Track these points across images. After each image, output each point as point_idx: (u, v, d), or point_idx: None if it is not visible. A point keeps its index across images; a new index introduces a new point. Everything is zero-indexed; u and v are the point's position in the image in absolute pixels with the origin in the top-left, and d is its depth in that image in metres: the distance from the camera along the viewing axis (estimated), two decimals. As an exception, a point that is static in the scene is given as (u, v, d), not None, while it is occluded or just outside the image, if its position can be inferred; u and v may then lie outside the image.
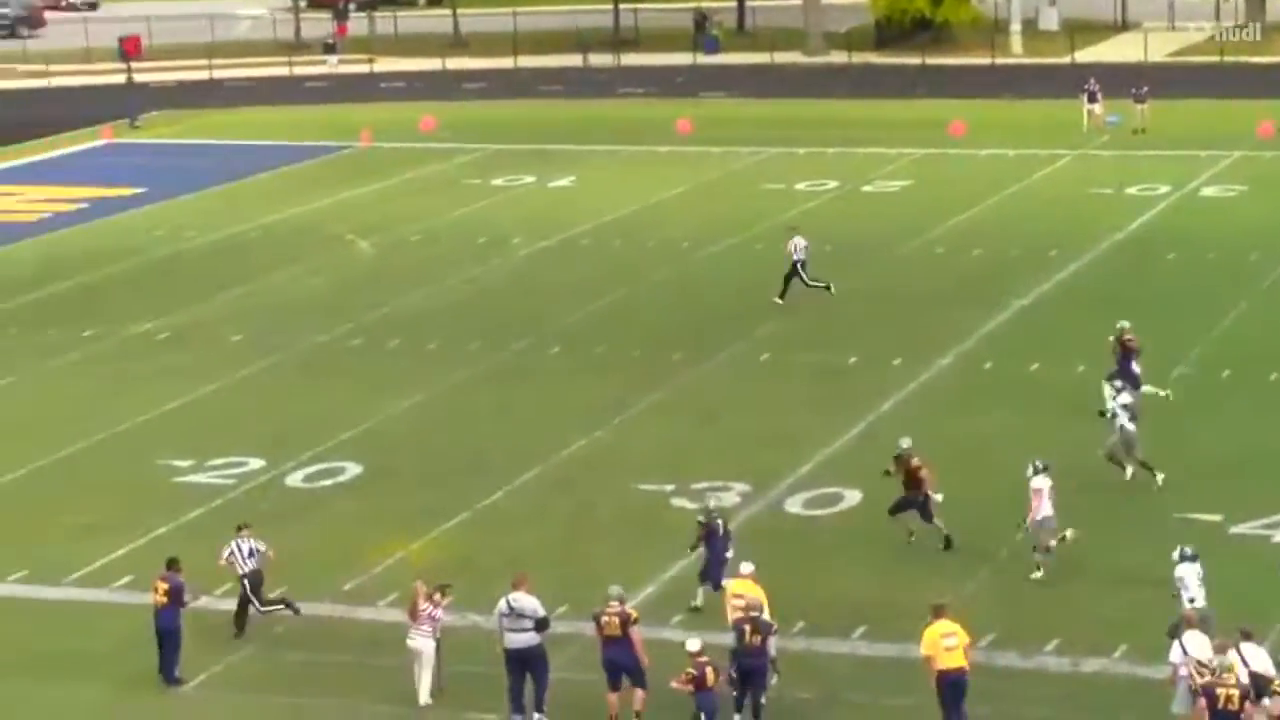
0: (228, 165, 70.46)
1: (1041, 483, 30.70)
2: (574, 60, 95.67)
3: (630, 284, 50.41)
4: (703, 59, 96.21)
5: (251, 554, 29.90)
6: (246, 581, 29.87)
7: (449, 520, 34.17)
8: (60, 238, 59.79)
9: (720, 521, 30.07)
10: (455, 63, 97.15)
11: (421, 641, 27.52)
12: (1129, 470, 34.28)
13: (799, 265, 47.45)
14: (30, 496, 36.55)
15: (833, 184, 63.14)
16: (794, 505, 34.36)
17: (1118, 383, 36.19)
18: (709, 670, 25.57)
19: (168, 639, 28.45)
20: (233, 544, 30.00)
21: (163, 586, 28.49)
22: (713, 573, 29.71)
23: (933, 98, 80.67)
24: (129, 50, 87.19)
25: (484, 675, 27.69)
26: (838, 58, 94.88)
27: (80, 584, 32.28)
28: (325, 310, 49.06)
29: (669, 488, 34.74)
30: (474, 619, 29.84)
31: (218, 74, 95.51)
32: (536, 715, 26.81)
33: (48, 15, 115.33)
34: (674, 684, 25.81)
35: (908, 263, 52.24)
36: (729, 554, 29.75)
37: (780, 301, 47.32)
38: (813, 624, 29.38)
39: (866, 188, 62.85)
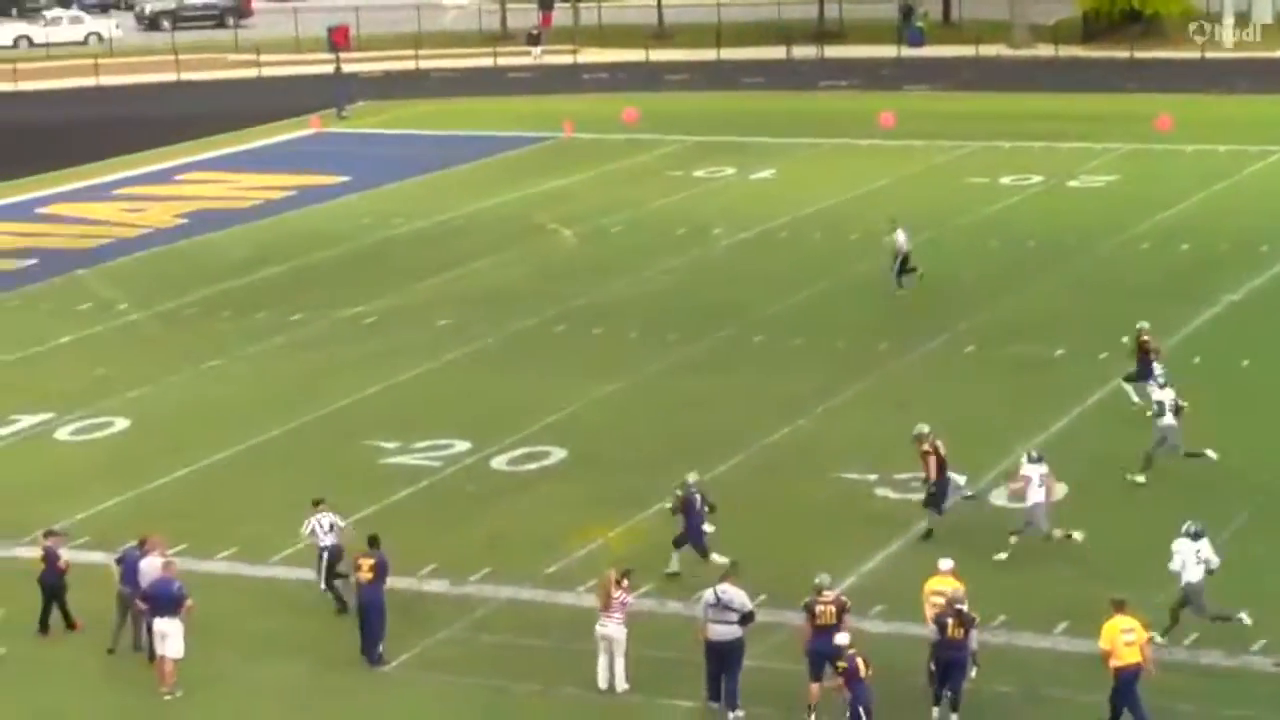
0: (433, 155, 71.14)
1: (1031, 471, 31.16)
2: (777, 52, 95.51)
3: (831, 276, 50.29)
4: (907, 52, 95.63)
5: (331, 528, 30.56)
6: (326, 554, 30.44)
7: (650, 507, 34.29)
8: (270, 224, 60.74)
9: (698, 495, 30.98)
10: (658, 54, 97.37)
11: (614, 629, 27.68)
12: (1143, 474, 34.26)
13: (903, 257, 47.95)
14: (239, 476, 37.20)
15: (1037, 179, 62.55)
16: (997, 499, 34.13)
17: (1159, 379, 35.53)
18: (859, 661, 25.48)
19: (373, 616, 28.83)
20: (313, 519, 30.65)
21: (367, 563, 28.88)
22: (696, 542, 30.84)
23: (1140, 92, 79.62)
24: (338, 41, 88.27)
25: (681, 662, 27.82)
26: (1044, 51, 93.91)
27: (287, 563, 32.77)
28: (529, 297, 49.45)
29: (872, 478, 34.66)
30: (674, 606, 30.01)
31: (424, 64, 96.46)
32: (731, 715, 26.87)
33: (256, 5, 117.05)
34: (826, 684, 25.70)
35: (1113, 258, 51.67)
36: (708, 527, 31.00)
37: (901, 291, 47.86)
38: (1013, 618, 29.21)
39: (1072, 183, 62.19)
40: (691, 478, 31.68)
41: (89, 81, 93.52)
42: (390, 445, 37.89)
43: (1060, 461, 33.57)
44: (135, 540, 30.00)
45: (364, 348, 45.57)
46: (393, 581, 29.41)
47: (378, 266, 54.01)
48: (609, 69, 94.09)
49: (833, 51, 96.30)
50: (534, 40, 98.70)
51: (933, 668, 26.47)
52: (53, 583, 29.93)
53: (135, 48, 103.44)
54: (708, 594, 27.14)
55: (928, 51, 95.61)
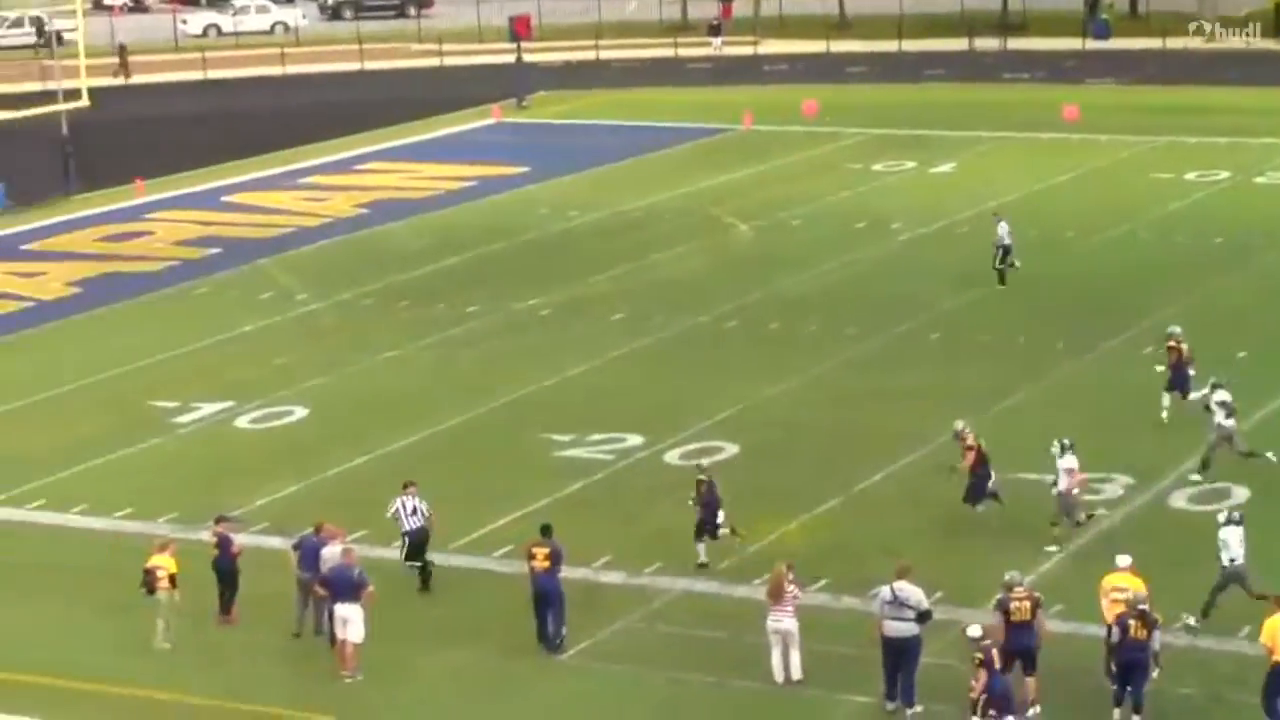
0: (612, 146, 71.33)
1: (1065, 463, 31.79)
2: (959, 44, 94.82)
3: (1009, 273, 49.75)
4: (1092, 44, 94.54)
5: (415, 511, 31.05)
6: (409, 538, 30.92)
7: (824, 503, 34.17)
8: (449, 214, 61.13)
9: (713, 482, 31.98)
10: (839, 45, 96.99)
11: (788, 622, 27.66)
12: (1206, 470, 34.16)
13: (1004, 250, 48.22)
14: (415, 466, 37.29)
15: (1224, 174, 61.59)
16: (1178, 500, 33.63)
17: (1215, 382, 35.11)
18: (994, 653, 25.27)
19: (551, 603, 28.97)
20: (398, 501, 31.14)
21: (542, 552, 29.04)
22: (709, 530, 31.69)
23: (1333, 86, 78.23)
24: (519, 31, 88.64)
25: (857, 658, 27.73)
26: (1233, 43, 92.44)
27: (462, 552, 33.01)
28: (705, 291, 49.40)
29: (1050, 478, 34.23)
30: (849, 602, 29.89)
31: (604, 55, 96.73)
32: (909, 711, 26.72)
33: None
34: (974, 682, 25.23)
35: (1301, 256, 50.87)
36: (721, 515, 31.79)
37: (1002, 286, 47.85)
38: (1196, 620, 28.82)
39: (1259, 179, 61.16)
40: (706, 462, 33.18)
41: (275, 70, 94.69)
42: (564, 438, 38.00)
43: (1240, 464, 33.03)
44: (311, 527, 30.42)
45: (539, 340, 45.76)
46: (568, 572, 29.55)
47: (554, 258, 54.21)
48: (789, 60, 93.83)
49: (1016, 43, 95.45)
50: (714, 31, 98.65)
51: (1113, 668, 26.16)
52: (227, 568, 30.33)
53: (320, 37, 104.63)
54: (884, 591, 27.05)
55: (1113, 44, 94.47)
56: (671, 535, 33.04)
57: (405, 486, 31.53)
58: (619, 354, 44.28)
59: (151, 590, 29.54)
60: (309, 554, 29.76)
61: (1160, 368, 38.39)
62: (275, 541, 32.11)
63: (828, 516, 33.82)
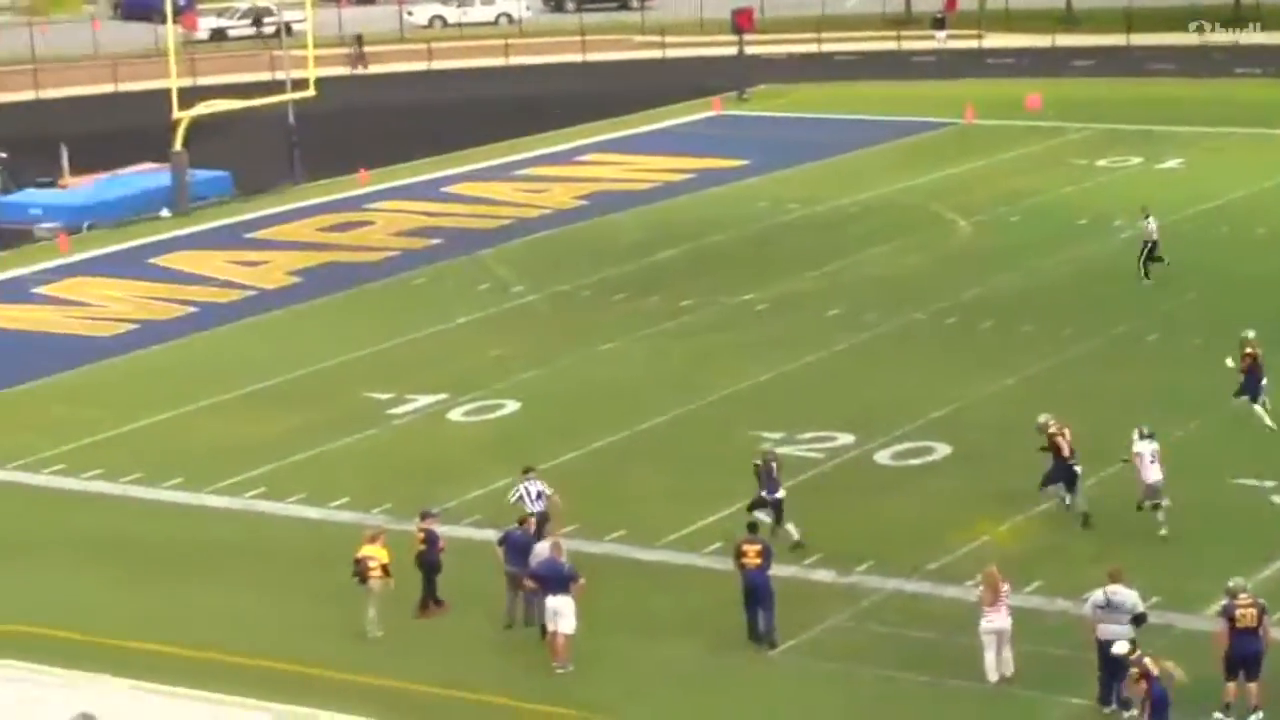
0: (832, 139, 71.00)
1: (1144, 448, 32.21)
2: (1189, 38, 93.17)
3: (1232, 274, 48.92)
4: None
5: (539, 496, 31.55)
6: (535, 519, 31.10)
7: (1037, 505, 33.80)
8: (668, 207, 61.22)
9: (775, 464, 32.82)
10: (1065, 39, 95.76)
11: (1002, 621, 27.56)
12: None
13: (1151, 245, 48.28)
14: (627, 460, 37.65)
15: None
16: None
17: None
18: (1146, 661, 25.15)
19: (763, 599, 28.99)
20: (521, 486, 31.68)
21: (753, 549, 29.11)
22: (775, 510, 32.57)
23: None
24: (742, 23, 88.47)
25: (1071, 660, 27.52)
26: None
27: (674, 547, 33.13)
28: (921, 288, 49.07)
29: (1269, 484, 33.65)
30: (1062, 604, 29.62)
31: (826, 47, 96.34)
32: (1126, 715, 26.36)
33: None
34: (1129, 690, 25.46)
35: None
36: (780, 494, 32.62)
37: (1148, 282, 47.71)
38: None
39: None
40: (766, 447, 33.56)
41: (498, 62, 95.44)
42: (775, 435, 37.93)
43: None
44: (516, 520, 30.67)
45: (754, 335, 45.71)
46: (779, 570, 29.62)
47: (771, 252, 54.13)
48: (1014, 54, 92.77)
49: (1248, 38, 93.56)
50: (939, 24, 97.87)
51: None
52: (432, 562, 30.63)
53: (543, 28, 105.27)
54: (1097, 595, 26.87)
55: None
56: (881, 534, 32.91)
57: (525, 472, 32.17)
58: (832, 351, 44.11)
59: (364, 580, 29.94)
60: (515, 548, 30.01)
61: (1229, 362, 38.04)
62: (487, 534, 32.36)
63: (1040, 519, 33.44)
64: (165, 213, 61.66)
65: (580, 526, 33.29)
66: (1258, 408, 37.25)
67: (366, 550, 30.07)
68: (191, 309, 50.28)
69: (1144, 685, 24.96)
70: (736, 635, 29.24)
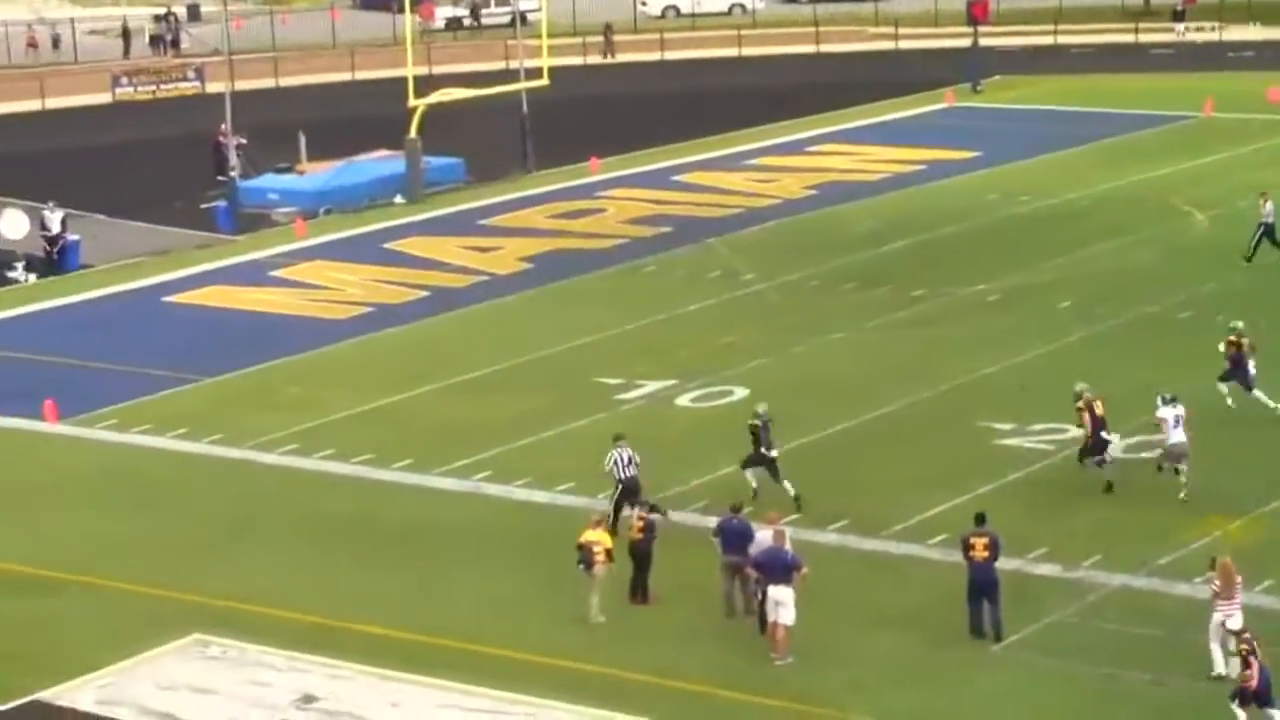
0: (1066, 132, 70.20)
1: (1166, 413, 33.64)
2: None
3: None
4: None
5: (630, 462, 32.88)
6: (622, 486, 32.74)
7: (1269, 503, 33.22)
8: (898, 198, 60.93)
9: (767, 423, 34.21)
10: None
11: (1239, 618, 27.10)
12: None
13: (1267, 228, 48.90)
14: (854, 449, 37.52)
15: None
16: None
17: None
18: (1255, 644, 25.17)
19: (989, 592, 28.77)
20: (614, 453, 33.00)
21: (981, 542, 28.87)
22: (771, 468, 34.08)
23: None
24: (977, 14, 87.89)
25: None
26: None
27: (898, 537, 32.96)
28: (1156, 281, 48.39)
29: None
30: (1293, 604, 29.16)
31: (1062, 39, 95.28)
32: None
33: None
34: (1249, 672, 25.31)
35: None
36: (773, 452, 34.14)
37: (1247, 263, 48.47)
38: None
39: None
40: (761, 408, 34.48)
41: (730, 52, 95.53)
42: (1005, 426, 37.60)
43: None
44: (730, 508, 30.66)
45: (984, 326, 45.34)
46: (1002, 563, 29.29)
47: (1002, 244, 53.65)
48: (1255, 47, 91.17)
49: None
50: (1178, 16, 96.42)
51: None
52: (646, 551, 30.68)
53: (777, 19, 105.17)
54: None
55: None
56: (1110, 529, 32.57)
57: (616, 440, 33.47)
58: (1064, 343, 43.63)
59: (588, 565, 30.07)
60: (731, 536, 29.98)
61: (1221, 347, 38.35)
62: (711, 521, 32.36)
63: (1272, 516, 32.87)
64: (400, 199, 62.50)
65: (803, 516, 33.23)
66: (1259, 395, 37.70)
67: (591, 535, 30.20)
68: (424, 293, 50.90)
69: (1255, 664, 25.10)
70: (958, 628, 29.01)
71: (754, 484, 34.22)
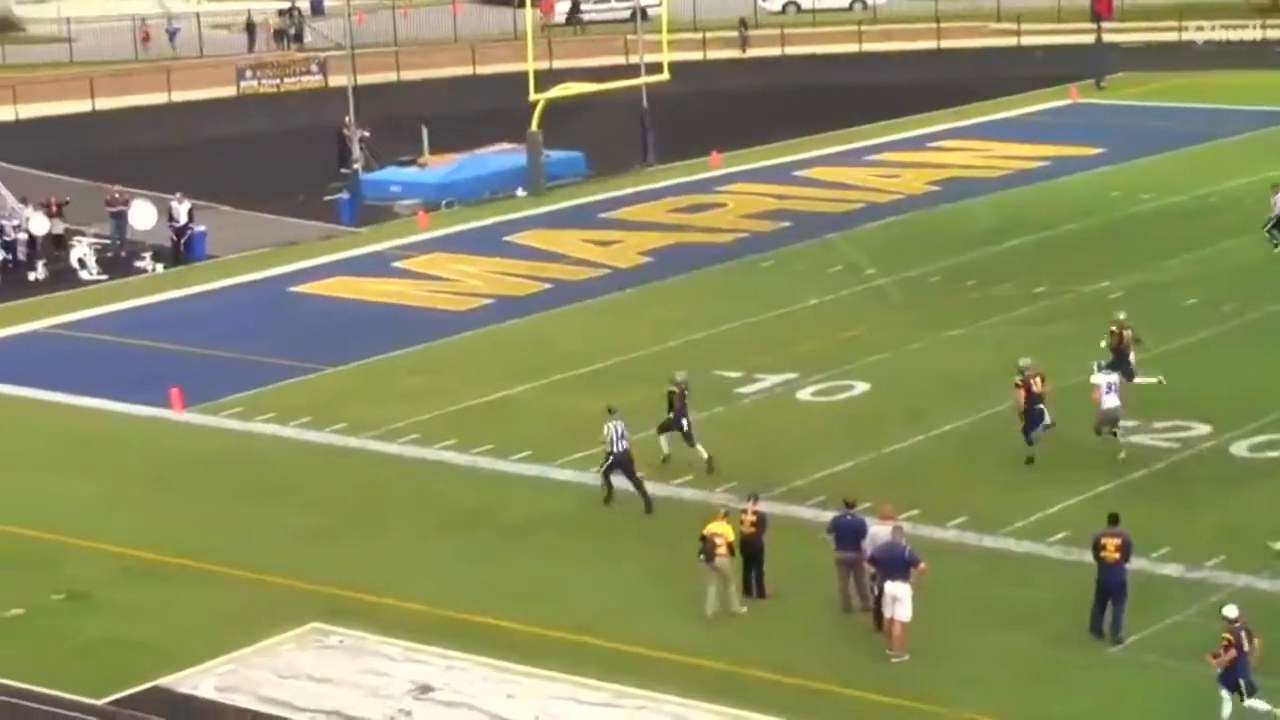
0: (1190, 129, 69.62)
1: (1100, 379, 35.80)
2: None
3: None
4: None
5: (622, 435, 34.28)
6: (613, 458, 34.28)
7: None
8: (1020, 194, 60.58)
9: (684, 391, 36.06)
10: None
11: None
12: None
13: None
14: (973, 446, 37.24)
15: None
16: None
17: None
18: (1243, 634, 25.40)
19: (1116, 594, 28.53)
20: (608, 425, 34.38)
21: (1113, 543, 28.61)
22: (685, 433, 35.86)
23: None
24: (1100, 10, 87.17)
25: None
26: None
27: (1017, 535, 32.73)
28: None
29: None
30: None
31: (1188, 35, 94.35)
32: None
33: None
34: (1211, 660, 25.80)
35: None
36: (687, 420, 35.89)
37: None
38: None
39: None
40: (680, 375, 36.32)
41: (851, 48, 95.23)
42: (1130, 423, 37.25)
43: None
44: (843, 503, 30.52)
45: (1106, 323, 44.75)
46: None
47: (1125, 241, 53.22)
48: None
49: None
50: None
51: None
52: (758, 546, 30.58)
53: (897, 15, 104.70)
54: None
55: None
56: (1236, 529, 32.18)
57: (610, 412, 34.74)
58: (1189, 341, 43.20)
59: (710, 557, 30.02)
60: (845, 532, 29.87)
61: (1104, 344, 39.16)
62: (827, 516, 32.25)
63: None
64: (520, 192, 62.73)
65: (922, 512, 33.08)
66: (1138, 380, 38.56)
67: (714, 527, 30.13)
68: (545, 286, 51.05)
69: (1232, 653, 25.59)
70: (1077, 628, 28.75)
71: (666, 450, 36.09)
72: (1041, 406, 35.85)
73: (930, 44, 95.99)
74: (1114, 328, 39.10)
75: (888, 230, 56.26)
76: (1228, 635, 25.86)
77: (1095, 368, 36.60)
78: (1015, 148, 68.00)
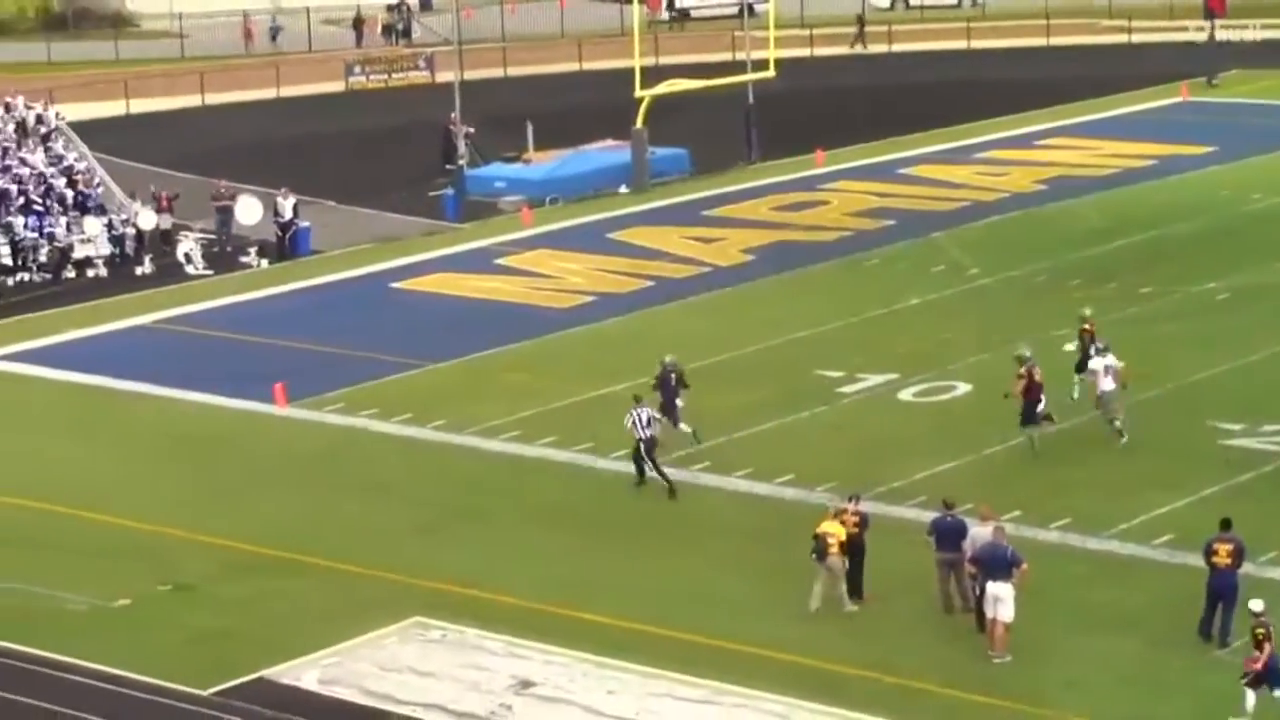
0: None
1: (1097, 363, 36.50)
2: None
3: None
4: None
5: (649, 422, 35.14)
6: (643, 445, 35.11)
7: None
8: (1128, 193, 60.09)
9: (674, 373, 36.98)
10: None
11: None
12: None
13: None
14: (1075, 447, 36.90)
15: None
16: None
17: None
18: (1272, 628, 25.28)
19: (1228, 599, 28.23)
20: (633, 412, 35.18)
21: (1225, 549, 28.36)
22: (668, 413, 36.60)
23: None
24: (1214, 6, 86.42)
25: None
26: None
27: (1121, 537, 32.47)
28: (1393, 280, 47.36)
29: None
30: None
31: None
32: None
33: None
34: (1254, 666, 25.64)
35: None
36: (679, 401, 36.90)
37: None
38: None
39: None
40: (668, 358, 37.10)
41: (960, 44, 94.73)
42: (1234, 427, 36.92)
43: None
44: (943, 504, 30.39)
45: (1215, 324, 44.55)
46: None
47: (1234, 242, 52.73)
48: None
49: None
50: None
51: None
52: (860, 544, 30.44)
53: (1006, 12, 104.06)
54: None
55: None
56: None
57: (636, 400, 35.65)
58: (1299, 343, 42.81)
59: (822, 556, 29.93)
60: (945, 533, 29.74)
61: (1069, 347, 39.63)
62: (929, 517, 32.10)
63: None
64: (624, 189, 62.76)
65: (1022, 514, 32.88)
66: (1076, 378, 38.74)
67: (827, 526, 30.06)
68: (647, 283, 51.05)
69: (1267, 648, 25.46)
70: (1182, 631, 28.53)
71: (689, 429, 36.94)
72: (1041, 397, 36.25)
73: (1040, 41, 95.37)
74: (1086, 326, 39.28)
75: (993, 228, 55.95)
76: (1260, 630, 25.76)
77: (1095, 349, 37.22)
78: (1124, 146, 67.45)
